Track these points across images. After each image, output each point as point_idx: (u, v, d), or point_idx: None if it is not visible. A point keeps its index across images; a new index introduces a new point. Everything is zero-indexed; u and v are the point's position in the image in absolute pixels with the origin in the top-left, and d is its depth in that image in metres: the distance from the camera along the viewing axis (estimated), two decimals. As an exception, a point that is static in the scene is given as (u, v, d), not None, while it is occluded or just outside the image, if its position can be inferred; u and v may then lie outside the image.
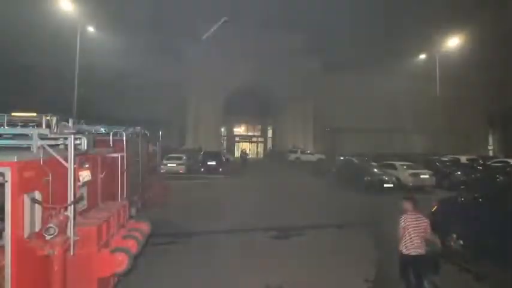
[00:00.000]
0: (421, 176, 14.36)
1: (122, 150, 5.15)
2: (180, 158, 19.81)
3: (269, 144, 41.88)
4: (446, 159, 19.25)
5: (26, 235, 2.71)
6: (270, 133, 42.27)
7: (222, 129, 39.81)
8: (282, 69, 32.02)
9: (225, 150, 34.06)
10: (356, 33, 31.15)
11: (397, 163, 15.78)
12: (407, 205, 4.06)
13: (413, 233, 3.88)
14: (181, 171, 18.78)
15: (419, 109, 32.75)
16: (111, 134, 5.26)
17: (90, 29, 21.26)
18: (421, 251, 3.85)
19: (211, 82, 31.44)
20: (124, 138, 5.41)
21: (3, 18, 18.61)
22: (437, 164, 16.92)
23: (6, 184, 2.62)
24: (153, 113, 25.93)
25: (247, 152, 39.36)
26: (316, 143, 36.33)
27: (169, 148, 21.28)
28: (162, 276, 4.92)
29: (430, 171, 14.62)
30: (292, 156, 30.68)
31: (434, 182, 14.29)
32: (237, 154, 35.68)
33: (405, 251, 3.91)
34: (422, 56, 29.70)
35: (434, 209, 6.44)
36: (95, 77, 22.71)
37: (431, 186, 14.25)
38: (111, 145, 5.11)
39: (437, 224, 6.20)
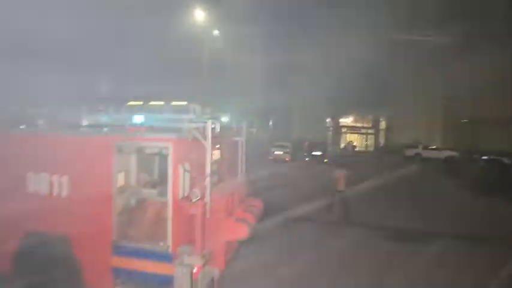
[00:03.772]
0: None
1: (242, 136, 5.83)
2: (286, 147, 20.62)
3: (382, 137, 37.54)
4: None
5: (179, 197, 3.54)
6: (383, 125, 37.76)
7: (328, 120, 38.53)
8: (400, 48, 26.71)
9: (330, 141, 32.95)
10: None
11: None
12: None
13: (342, 179, 8.21)
14: (287, 159, 19.57)
15: None
16: (234, 121, 6.02)
17: (216, 31, 24.68)
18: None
19: (318, 70, 30.50)
20: (244, 125, 6.09)
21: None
22: None
23: (168, 156, 3.48)
24: (262, 102, 27.71)
25: (354, 144, 36.70)
26: (445, 136, 29.83)
27: (277, 137, 22.50)
28: (268, 253, 5.38)
29: None
30: (411, 151, 26.34)
31: None
32: (342, 146, 33.92)
33: (340, 189, 8.20)
34: None
35: None
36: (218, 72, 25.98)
37: None
38: (234, 130, 5.87)
39: None
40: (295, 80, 32.91)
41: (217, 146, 4.43)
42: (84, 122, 4.09)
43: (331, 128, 38.74)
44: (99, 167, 3.59)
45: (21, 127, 4.09)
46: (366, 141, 39.02)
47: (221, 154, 4.81)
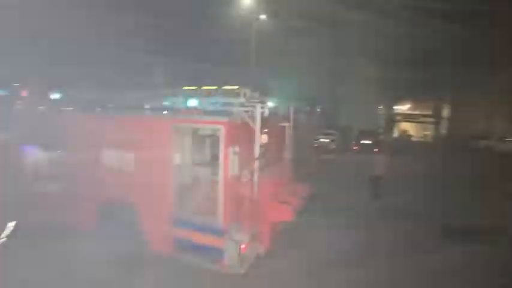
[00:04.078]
0: None
1: (289, 121, 5.82)
2: (332, 134, 19.93)
3: (445, 127, 33.58)
4: None
5: (229, 176, 3.75)
6: (446, 112, 33.67)
7: (381, 107, 35.80)
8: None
9: (382, 130, 30.76)
10: None
11: None
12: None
13: (381, 164, 8.39)
14: (332, 147, 18.97)
15: None
16: (282, 107, 6.04)
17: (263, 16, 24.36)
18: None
19: (368, 51, 28.02)
20: (292, 111, 6.06)
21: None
22: None
23: (220, 138, 3.69)
24: (311, 88, 26.84)
25: (410, 133, 33.56)
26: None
27: (324, 124, 21.86)
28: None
29: None
30: (481, 143, 23.17)
31: None
32: (396, 135, 31.39)
33: (378, 174, 8.28)
34: None
35: None
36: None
37: None
38: (281, 116, 5.90)
39: None
40: (345, 65, 31.05)
41: (265, 130, 4.51)
42: (147, 106, 4.55)
43: (384, 116, 35.98)
44: (159, 146, 3.98)
45: (96, 110, 4.71)
46: (425, 130, 35.40)
47: (269, 138, 4.90)
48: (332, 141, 19.35)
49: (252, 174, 3.73)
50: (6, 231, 3.82)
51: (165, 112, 4.16)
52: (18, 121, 5.49)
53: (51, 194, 5.12)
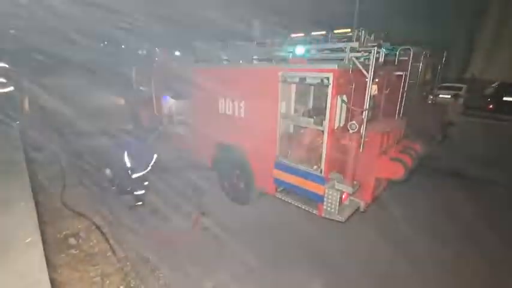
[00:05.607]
0: None
1: (406, 70, 4.98)
2: (457, 89, 16.05)
3: None
4: None
5: (335, 126, 3.67)
6: None
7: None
8: None
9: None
10: None
11: None
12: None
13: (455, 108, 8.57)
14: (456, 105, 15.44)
15: None
16: (398, 52, 5.15)
17: None
18: None
19: None
20: (410, 57, 5.12)
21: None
22: None
23: (328, 87, 3.55)
24: (433, 31, 21.57)
25: None
26: None
27: (447, 76, 17.76)
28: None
29: None
30: None
31: None
32: None
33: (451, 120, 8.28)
34: None
35: None
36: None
37: None
38: (396, 63, 5.08)
39: None
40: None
41: (377, 80, 4.04)
42: (255, 56, 4.73)
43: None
44: (267, 94, 4.18)
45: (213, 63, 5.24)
46: None
47: (380, 88, 4.40)
48: (457, 97, 15.63)
49: (359, 126, 3.53)
50: (152, 162, 5.03)
51: (273, 62, 4.24)
52: (157, 77, 6.76)
53: (180, 135, 6.35)
